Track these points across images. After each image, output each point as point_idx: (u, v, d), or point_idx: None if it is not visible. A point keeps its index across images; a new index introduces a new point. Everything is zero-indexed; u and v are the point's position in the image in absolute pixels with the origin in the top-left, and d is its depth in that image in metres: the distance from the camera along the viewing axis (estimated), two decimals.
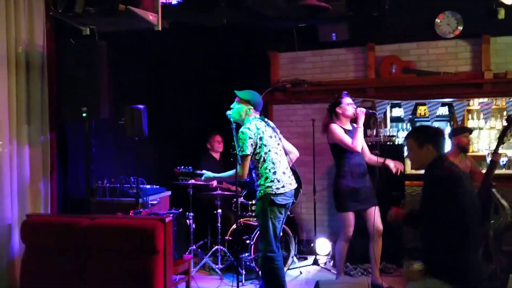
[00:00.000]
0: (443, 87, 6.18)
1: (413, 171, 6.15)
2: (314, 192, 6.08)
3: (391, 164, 4.74)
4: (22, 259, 3.86)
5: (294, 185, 4.24)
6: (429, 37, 6.29)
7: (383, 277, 4.97)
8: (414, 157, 3.17)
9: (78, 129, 4.67)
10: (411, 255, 3.13)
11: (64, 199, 4.65)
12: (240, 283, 4.87)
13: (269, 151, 4.13)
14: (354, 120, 4.83)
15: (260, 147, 4.09)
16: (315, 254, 6.07)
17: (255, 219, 5.45)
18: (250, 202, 5.59)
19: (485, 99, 6.13)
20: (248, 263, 5.23)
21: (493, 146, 4.61)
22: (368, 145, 5.08)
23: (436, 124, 6.00)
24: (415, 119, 6.76)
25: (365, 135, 4.98)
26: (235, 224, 5.55)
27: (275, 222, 4.09)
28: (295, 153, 4.48)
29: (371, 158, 4.90)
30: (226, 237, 5.59)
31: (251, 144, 4.06)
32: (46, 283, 3.71)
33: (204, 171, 4.34)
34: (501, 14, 5.84)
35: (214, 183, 5.84)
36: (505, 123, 4.67)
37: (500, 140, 4.48)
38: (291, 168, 4.33)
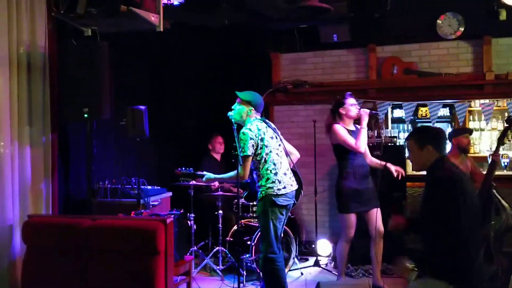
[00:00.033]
0: (444, 88, 6.18)
1: (415, 172, 6.10)
2: (315, 193, 6.08)
3: (392, 167, 4.74)
4: (23, 259, 3.86)
5: (295, 186, 4.24)
6: (430, 38, 6.29)
7: (384, 279, 4.97)
8: (415, 158, 3.16)
9: (79, 130, 4.67)
10: (411, 255, 3.13)
11: (65, 199, 4.65)
12: (241, 284, 4.87)
13: (270, 152, 4.13)
14: (357, 121, 4.83)
15: (261, 148, 4.10)
16: (316, 255, 6.07)
17: (256, 220, 5.45)
18: (251, 203, 5.59)
19: (487, 100, 6.12)
20: (249, 264, 5.23)
21: (494, 147, 4.61)
22: (369, 146, 5.08)
23: (437, 125, 5.99)
24: (416, 120, 6.75)
25: (368, 136, 4.97)
26: (236, 225, 5.55)
27: (276, 223, 4.09)
28: (296, 155, 4.48)
29: (372, 160, 4.89)
30: (227, 238, 5.59)
31: (252, 145, 4.06)
32: (47, 284, 3.72)
33: (205, 172, 4.35)
34: (503, 15, 5.84)
35: (216, 184, 5.84)
36: (505, 124, 4.67)
37: (500, 141, 4.48)
38: (292, 169, 4.33)
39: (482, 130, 6.65)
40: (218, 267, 5.48)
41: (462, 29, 6.14)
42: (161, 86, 6.47)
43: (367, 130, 4.87)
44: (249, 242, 5.25)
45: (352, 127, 4.83)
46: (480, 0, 6.00)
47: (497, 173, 4.55)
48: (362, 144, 4.66)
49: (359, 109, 4.82)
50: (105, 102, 4.17)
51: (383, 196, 4.94)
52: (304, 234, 6.64)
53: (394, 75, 6.34)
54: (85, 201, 4.49)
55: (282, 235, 4.29)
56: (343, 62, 6.69)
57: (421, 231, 3.10)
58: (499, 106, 6.38)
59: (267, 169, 4.11)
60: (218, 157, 6.41)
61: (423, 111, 6.63)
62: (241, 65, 6.66)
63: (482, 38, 6.07)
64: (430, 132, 3.22)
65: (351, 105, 4.79)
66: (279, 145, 4.26)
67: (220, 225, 5.53)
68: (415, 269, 2.99)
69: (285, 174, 4.17)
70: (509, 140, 4.60)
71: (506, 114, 6.28)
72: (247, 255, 5.19)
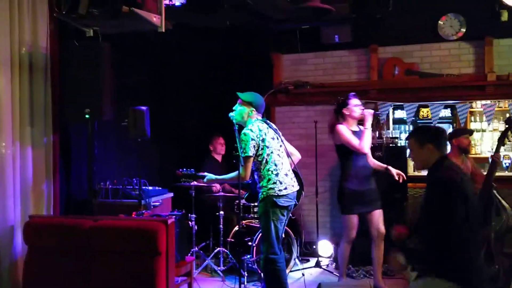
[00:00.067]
0: (446, 89, 6.17)
1: (416, 173, 6.16)
2: (316, 194, 6.08)
3: (394, 171, 4.74)
4: (24, 260, 3.87)
5: (296, 187, 4.24)
6: (432, 39, 6.29)
7: (385, 280, 4.97)
8: (416, 157, 3.17)
9: (81, 131, 4.68)
10: (411, 256, 3.14)
11: (67, 200, 4.66)
12: (242, 285, 4.86)
13: (272, 153, 4.13)
14: (360, 122, 4.82)
15: (262, 149, 4.10)
16: (317, 256, 6.07)
17: (257, 221, 5.45)
18: (252, 204, 5.59)
19: (488, 101, 6.12)
20: (250, 265, 5.23)
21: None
22: (370, 147, 5.06)
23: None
24: (418, 121, 6.74)
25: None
26: (237, 226, 5.55)
27: (277, 224, 4.09)
28: (297, 156, 4.48)
29: (374, 162, 4.89)
30: (228, 239, 5.59)
31: (254, 146, 4.06)
32: (48, 285, 3.72)
33: (206, 173, 4.35)
34: (504, 16, 5.83)
35: (217, 186, 5.85)
36: (505, 125, 4.67)
37: (500, 142, 4.48)
38: (293, 170, 4.33)
39: (483, 131, 6.64)
40: (219, 268, 5.48)
41: (463, 30, 6.13)
42: (162, 86, 6.48)
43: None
44: (250, 243, 5.25)
45: (355, 128, 4.82)
46: (481, 1, 5.99)
47: (498, 174, 4.55)
48: (365, 144, 4.65)
49: (363, 109, 4.81)
50: (106, 103, 4.17)
51: (384, 197, 4.94)
52: (305, 235, 6.63)
53: (396, 76, 6.33)
54: (86, 201, 4.50)
55: (283, 236, 4.29)
56: (344, 63, 6.68)
57: (421, 230, 3.10)
58: (500, 107, 6.36)
59: (268, 170, 4.11)
60: (219, 158, 6.40)
61: (424, 112, 6.62)
62: (242, 65, 6.66)
63: (483, 39, 6.06)
64: (430, 131, 3.23)
65: (355, 106, 4.78)
66: (280, 146, 4.26)
67: (221, 226, 5.53)
68: (409, 265, 3.01)
69: (286, 175, 4.17)
70: (509, 141, 4.59)
71: (507, 115, 6.27)
72: (248, 256, 5.19)
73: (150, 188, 4.96)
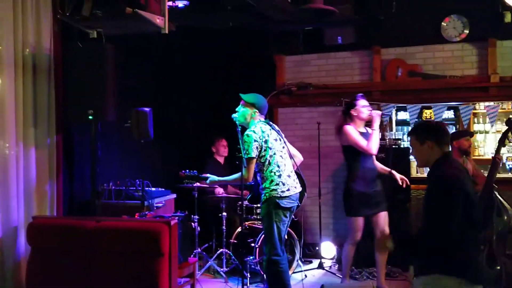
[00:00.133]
0: (449, 91, 6.16)
1: (419, 175, 6.15)
2: (319, 195, 6.07)
3: (397, 175, 4.73)
4: (28, 261, 3.87)
5: (299, 189, 4.24)
6: (435, 41, 6.28)
7: (389, 281, 4.96)
8: (417, 154, 3.17)
9: (84, 132, 4.68)
10: (414, 254, 3.15)
11: (70, 201, 4.67)
12: (245, 286, 4.87)
13: (274, 154, 4.13)
14: (367, 123, 4.81)
15: (265, 150, 4.10)
16: (320, 257, 6.07)
17: (260, 222, 5.45)
18: (255, 205, 5.59)
19: (491, 103, 6.10)
20: (253, 266, 5.23)
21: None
22: None
23: None
24: None
25: None
26: (240, 227, 5.54)
27: (280, 225, 4.09)
28: (299, 157, 4.48)
29: (378, 165, 4.88)
30: (231, 240, 5.59)
31: (256, 147, 4.06)
32: (51, 285, 3.73)
33: (208, 175, 4.35)
34: (508, 17, 5.83)
35: (220, 190, 5.86)
36: (506, 126, 4.66)
37: (501, 143, 4.47)
38: (295, 172, 4.33)
39: (486, 132, 6.63)
40: (222, 269, 5.48)
41: (466, 31, 6.13)
42: (165, 88, 6.48)
43: None
44: (253, 244, 5.25)
45: (362, 129, 4.79)
46: (485, 3, 5.99)
47: (501, 175, 4.54)
48: (373, 145, 4.63)
49: (371, 110, 4.80)
50: (109, 104, 4.18)
51: (388, 198, 4.93)
52: (308, 237, 6.63)
53: (399, 78, 6.33)
54: (89, 202, 4.50)
55: (286, 237, 4.29)
56: (347, 64, 6.68)
57: (423, 228, 3.10)
58: (504, 109, 6.36)
59: (271, 171, 4.11)
60: (221, 160, 6.40)
61: (427, 113, 6.61)
62: (245, 67, 6.67)
63: (487, 40, 6.05)
64: (429, 127, 3.21)
65: (363, 107, 4.76)
66: (283, 147, 4.26)
67: (224, 227, 5.52)
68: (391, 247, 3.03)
69: (289, 176, 4.17)
70: (510, 142, 4.58)
71: (510, 116, 6.26)
72: (251, 257, 5.19)
73: (153, 189, 4.96)
